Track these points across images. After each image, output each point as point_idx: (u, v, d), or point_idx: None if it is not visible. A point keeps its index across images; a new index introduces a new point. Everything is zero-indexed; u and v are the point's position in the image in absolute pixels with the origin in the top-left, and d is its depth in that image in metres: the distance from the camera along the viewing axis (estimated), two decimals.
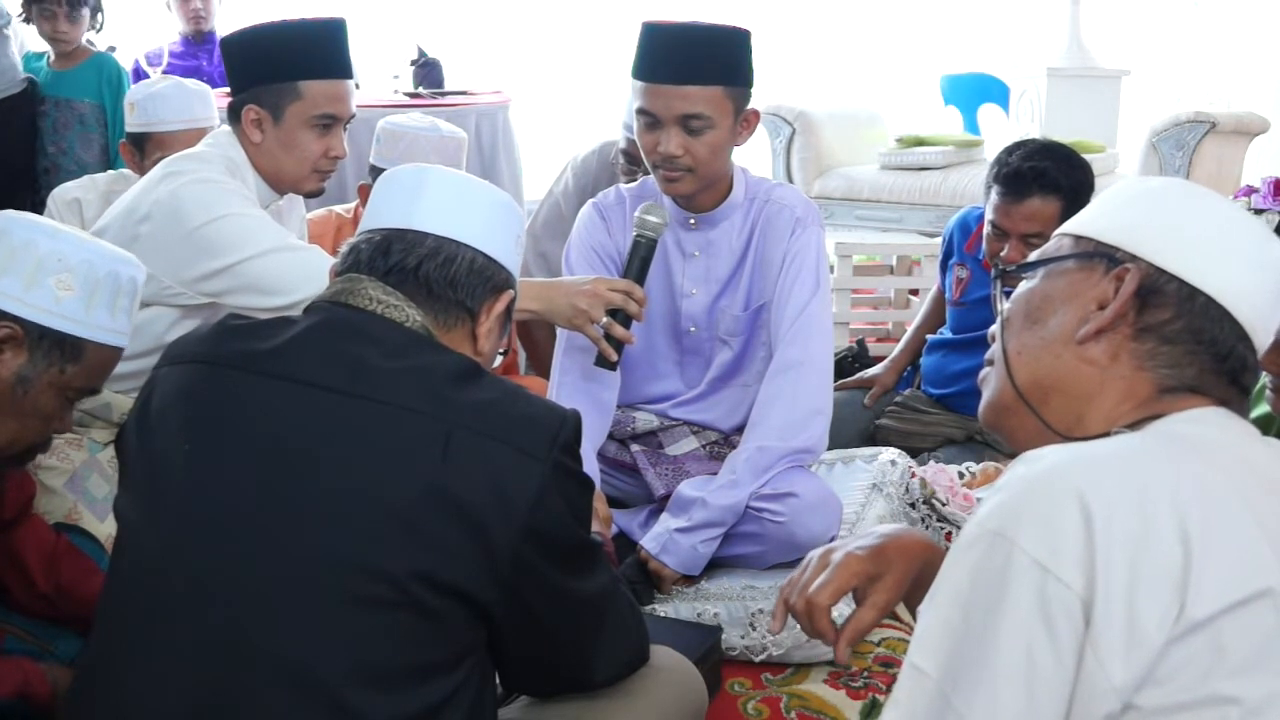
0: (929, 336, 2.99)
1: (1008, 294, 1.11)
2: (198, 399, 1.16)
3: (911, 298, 4.14)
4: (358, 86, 2.76)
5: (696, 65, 2.02)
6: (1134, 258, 1.01)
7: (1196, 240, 1.01)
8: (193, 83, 2.78)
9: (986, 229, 2.57)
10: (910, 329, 3.12)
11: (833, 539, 2.00)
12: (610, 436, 2.32)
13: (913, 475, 2.34)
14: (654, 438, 2.35)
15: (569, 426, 1.16)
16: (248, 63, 2.06)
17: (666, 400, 2.36)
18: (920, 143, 4.86)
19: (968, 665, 0.87)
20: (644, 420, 2.35)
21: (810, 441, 2.16)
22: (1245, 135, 4.56)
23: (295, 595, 1.07)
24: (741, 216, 2.24)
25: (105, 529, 1.83)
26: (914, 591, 1.16)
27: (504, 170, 4.25)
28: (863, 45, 6.13)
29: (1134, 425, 0.99)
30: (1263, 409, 1.76)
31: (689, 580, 2.13)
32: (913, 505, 2.32)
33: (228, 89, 2.11)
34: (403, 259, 1.23)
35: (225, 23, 4.30)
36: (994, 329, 1.11)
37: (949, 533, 2.24)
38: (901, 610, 1.25)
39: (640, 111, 2.08)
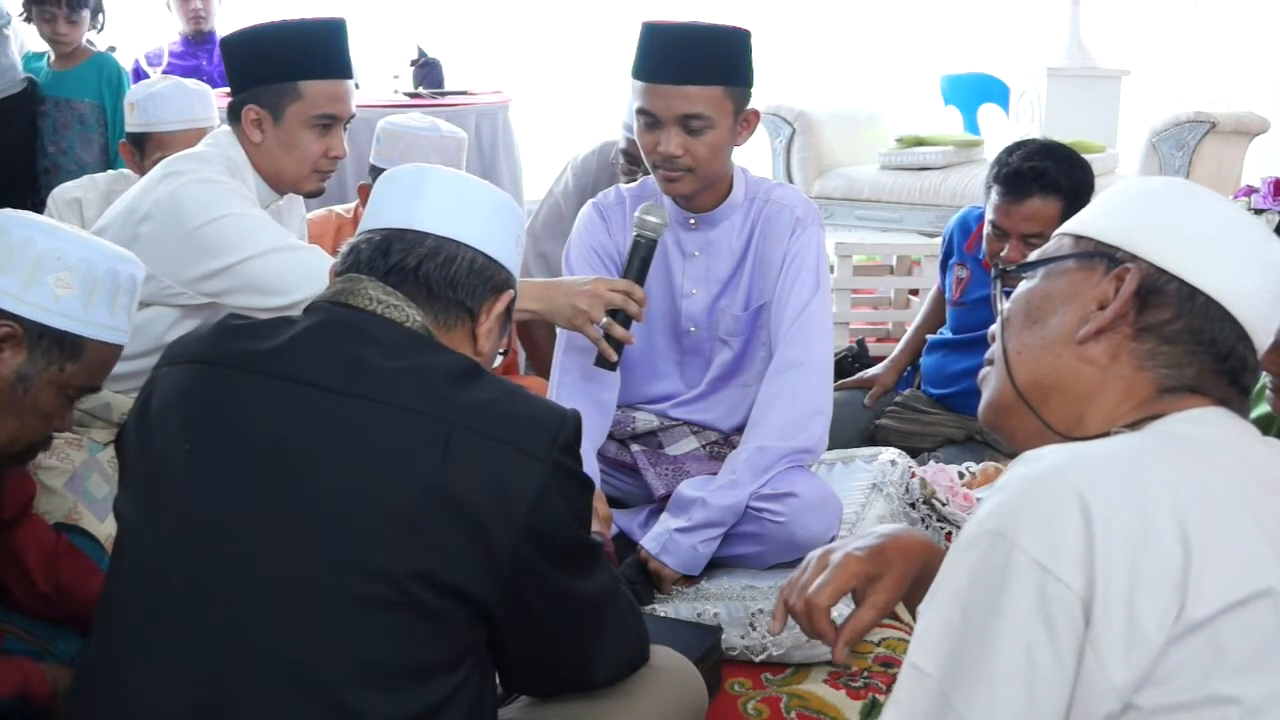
0: (929, 336, 2.99)
1: (1008, 294, 1.11)
2: (198, 399, 1.16)
3: (911, 298, 4.14)
4: (358, 86, 2.76)
5: (696, 65, 2.02)
6: (1134, 258, 1.01)
7: (1197, 240, 1.01)
8: (193, 83, 2.78)
9: (986, 229, 2.57)
10: (910, 329, 3.12)
11: (833, 539, 2.00)
12: (610, 436, 2.32)
13: (913, 475, 2.34)
14: (654, 438, 2.35)
15: (569, 426, 1.16)
16: (248, 63, 2.06)
17: (666, 400, 2.36)
18: (920, 143, 4.86)
19: (968, 665, 0.87)
20: (644, 420, 2.35)
21: (810, 441, 2.16)
22: (1245, 135, 4.56)
23: (295, 595, 1.07)
24: (741, 216, 2.24)
25: (105, 529, 1.83)
26: (914, 591, 1.15)
27: (504, 170, 4.25)
28: (863, 45, 6.13)
29: (1134, 425, 0.99)
30: (1263, 409, 1.76)
31: (689, 580, 2.13)
32: (913, 505, 2.32)
33: (228, 89, 2.11)
34: (403, 259, 1.23)
35: (225, 23, 4.30)
36: (994, 329, 1.11)
37: (949, 533, 2.24)
38: (901, 610, 1.25)
39: (640, 111, 2.08)
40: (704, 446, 2.34)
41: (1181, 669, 0.83)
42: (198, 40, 4.33)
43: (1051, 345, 1.04)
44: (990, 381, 1.10)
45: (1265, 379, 1.66)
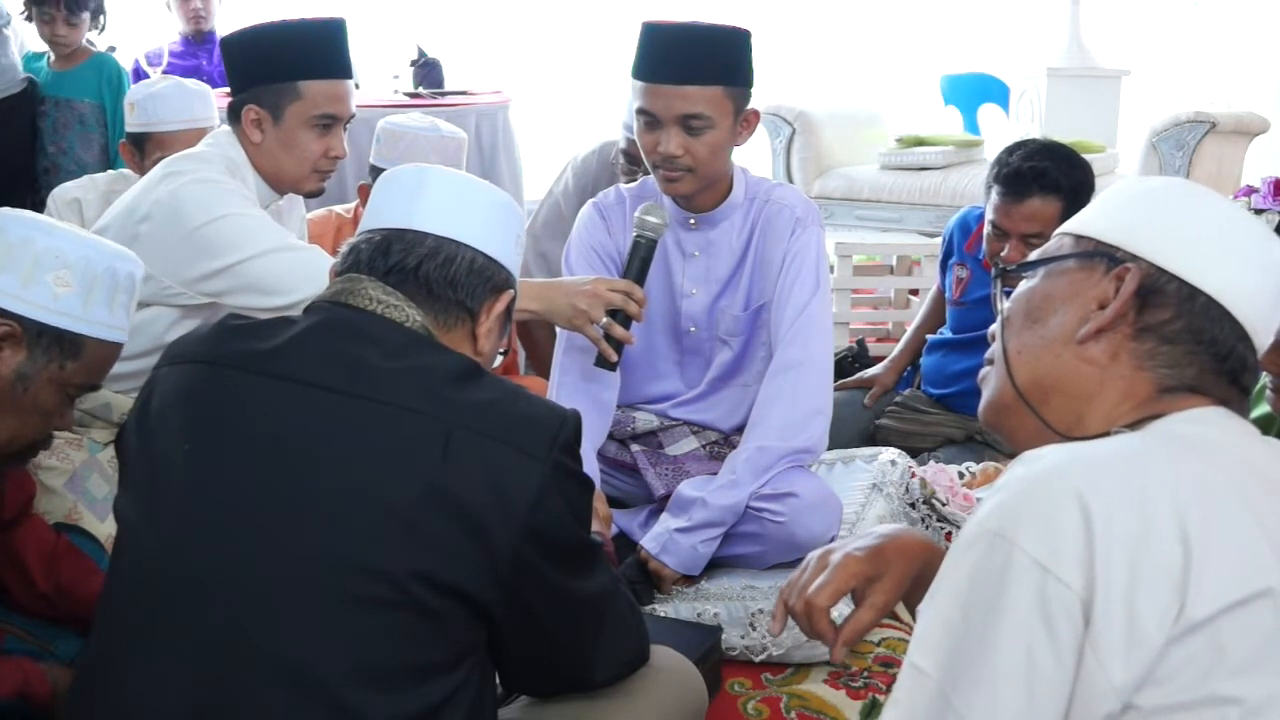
0: (929, 336, 2.99)
1: (1008, 293, 1.11)
2: (198, 399, 1.16)
3: (911, 298, 4.14)
4: (358, 86, 2.76)
5: (696, 65, 2.02)
6: (1134, 257, 1.01)
7: (1197, 240, 1.01)
8: (193, 83, 2.78)
9: (987, 229, 2.57)
10: (910, 329, 3.12)
11: (833, 539, 2.00)
12: (610, 436, 2.32)
13: (913, 475, 2.34)
14: (654, 438, 2.35)
15: (569, 426, 1.16)
16: (248, 63, 2.06)
17: (666, 400, 2.36)
18: (920, 143, 4.86)
19: (968, 665, 0.87)
20: (644, 420, 2.35)
21: (810, 441, 2.16)
22: (1245, 135, 4.56)
23: (295, 595, 1.07)
24: (741, 216, 2.24)
25: (105, 529, 1.83)
26: (914, 591, 1.15)
27: (504, 170, 4.25)
28: (863, 45, 6.13)
29: (1134, 425, 0.99)
30: (1263, 409, 1.76)
31: (689, 580, 2.13)
32: (913, 505, 2.32)
33: (228, 89, 2.11)
34: (403, 259, 1.23)
35: (225, 23, 4.30)
36: (994, 328, 1.11)
37: (949, 533, 2.24)
38: (901, 610, 1.25)
39: (640, 111, 2.08)
40: (704, 446, 2.34)
41: (1181, 669, 0.83)
42: (198, 40, 4.33)
43: (1051, 345, 1.04)
44: (990, 381, 1.10)
45: (1265, 379, 1.66)
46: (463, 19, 5.91)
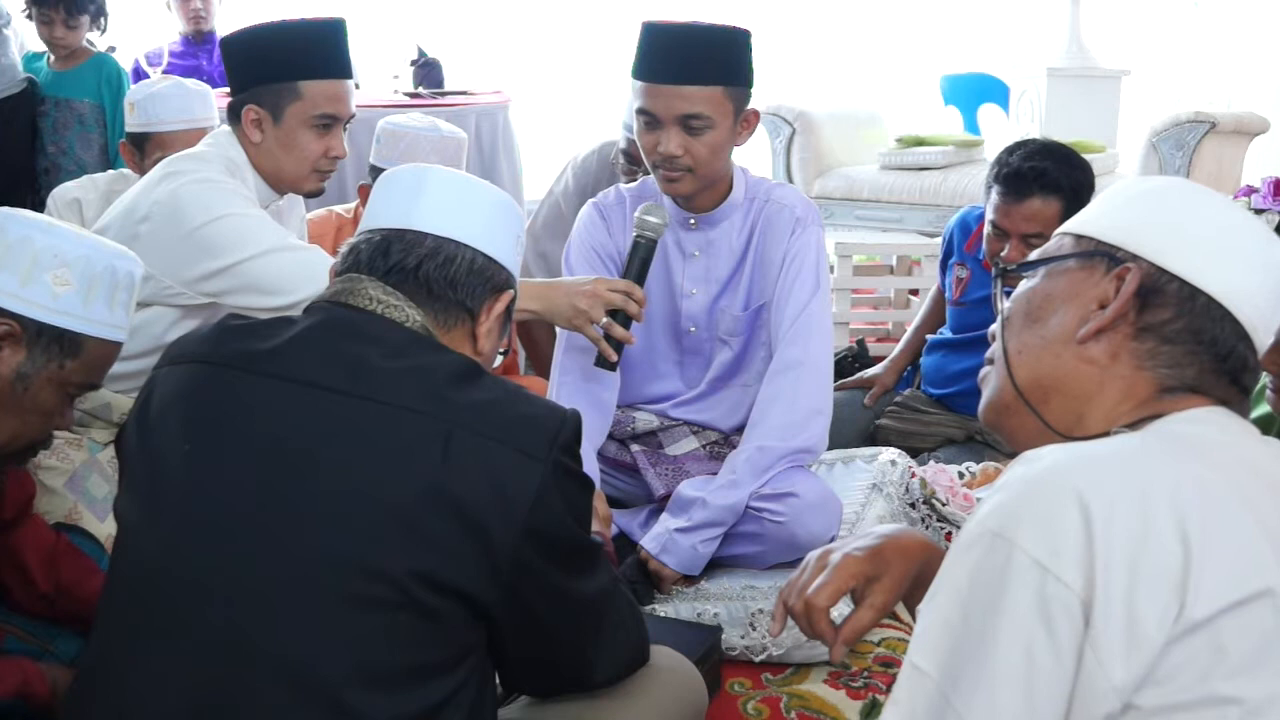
0: (929, 336, 2.99)
1: (1008, 293, 1.11)
2: (198, 399, 1.16)
3: (911, 298, 4.14)
4: (358, 86, 2.76)
5: (696, 65, 2.02)
6: (1135, 257, 1.01)
7: (1197, 240, 1.01)
8: (193, 83, 2.78)
9: (987, 229, 2.57)
10: (910, 329, 3.12)
11: (833, 539, 2.00)
12: (610, 436, 2.32)
13: (913, 475, 2.34)
14: (654, 438, 2.35)
15: (569, 426, 1.16)
16: (248, 63, 2.06)
17: (666, 400, 2.36)
18: (920, 143, 4.86)
19: (967, 665, 0.87)
20: (644, 420, 2.35)
21: (810, 441, 2.16)
22: (1245, 135, 4.56)
23: (295, 595, 1.07)
24: (741, 216, 2.24)
25: (105, 529, 1.83)
26: (913, 591, 1.15)
27: (504, 170, 4.25)
28: (863, 45, 6.13)
29: (1134, 425, 0.99)
30: (1263, 409, 1.76)
31: (689, 580, 2.13)
32: (913, 505, 2.32)
33: (228, 89, 2.11)
34: (402, 259, 1.23)
35: (225, 23, 4.31)
36: (994, 328, 1.11)
37: (949, 533, 2.24)
38: (901, 610, 1.25)
39: (640, 111, 2.07)
40: (704, 446, 2.34)
41: (1181, 669, 0.83)
42: (198, 40, 4.34)
43: (1052, 345, 1.04)
44: (990, 381, 1.10)
45: (1265, 379, 1.66)
46: (463, 19, 5.91)
